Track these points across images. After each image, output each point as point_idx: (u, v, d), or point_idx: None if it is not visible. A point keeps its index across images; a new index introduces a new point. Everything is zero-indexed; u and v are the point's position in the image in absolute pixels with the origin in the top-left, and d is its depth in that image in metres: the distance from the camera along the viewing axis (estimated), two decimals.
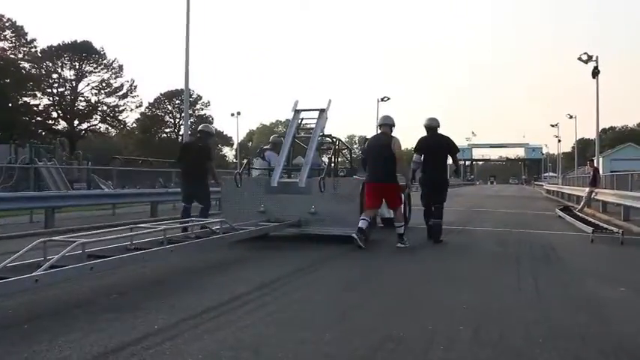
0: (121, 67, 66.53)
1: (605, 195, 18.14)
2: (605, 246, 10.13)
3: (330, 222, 9.58)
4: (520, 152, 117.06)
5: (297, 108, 11.23)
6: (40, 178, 29.17)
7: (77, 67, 63.08)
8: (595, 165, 20.47)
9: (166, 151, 70.12)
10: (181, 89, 74.49)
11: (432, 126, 10.44)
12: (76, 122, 63.87)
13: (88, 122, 65.72)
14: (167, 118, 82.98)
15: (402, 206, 9.96)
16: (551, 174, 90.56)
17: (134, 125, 78.29)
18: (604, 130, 38.69)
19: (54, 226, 12.63)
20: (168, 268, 6.76)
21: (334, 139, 11.92)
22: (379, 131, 9.98)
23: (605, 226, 11.95)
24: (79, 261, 5.19)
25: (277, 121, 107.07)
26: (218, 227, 7.85)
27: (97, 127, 67.29)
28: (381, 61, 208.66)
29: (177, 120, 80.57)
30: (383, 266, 7.75)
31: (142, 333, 4.10)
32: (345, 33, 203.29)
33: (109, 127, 69.48)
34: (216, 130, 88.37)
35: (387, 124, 9.81)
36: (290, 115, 11.06)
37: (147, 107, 78.35)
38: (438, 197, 10.18)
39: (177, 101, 79.33)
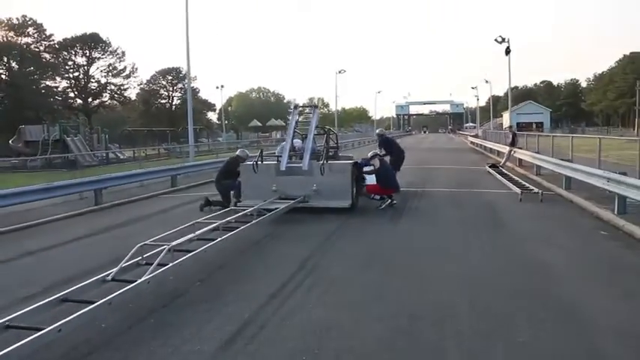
0: (124, 53, 65.68)
1: (522, 154, 18.97)
2: (531, 204, 10.82)
3: (328, 196, 10.01)
4: (446, 107, 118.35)
5: (296, 104, 11.68)
6: (69, 150, 29.81)
7: (88, 54, 62.42)
8: (513, 130, 21.27)
9: (163, 118, 69.03)
10: (173, 67, 73.71)
11: (382, 134, 15.19)
12: (89, 100, 62.91)
13: (99, 99, 65.13)
14: (162, 91, 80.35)
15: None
16: (471, 124, 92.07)
17: (135, 99, 76.25)
18: (510, 88, 39.17)
19: (102, 202, 12.78)
20: (222, 248, 6.89)
21: (326, 128, 12.27)
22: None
23: (528, 186, 12.68)
24: (167, 257, 5.51)
25: (251, 88, 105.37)
26: (252, 212, 8.25)
27: (107, 103, 66.40)
28: (339, 35, 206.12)
29: (171, 92, 78.64)
30: (379, 240, 7.85)
31: (237, 325, 4.46)
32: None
33: (117, 103, 68.06)
34: (201, 98, 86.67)
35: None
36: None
37: (145, 83, 76.44)
38: (395, 170, 12.22)
39: (170, 77, 77.30)
